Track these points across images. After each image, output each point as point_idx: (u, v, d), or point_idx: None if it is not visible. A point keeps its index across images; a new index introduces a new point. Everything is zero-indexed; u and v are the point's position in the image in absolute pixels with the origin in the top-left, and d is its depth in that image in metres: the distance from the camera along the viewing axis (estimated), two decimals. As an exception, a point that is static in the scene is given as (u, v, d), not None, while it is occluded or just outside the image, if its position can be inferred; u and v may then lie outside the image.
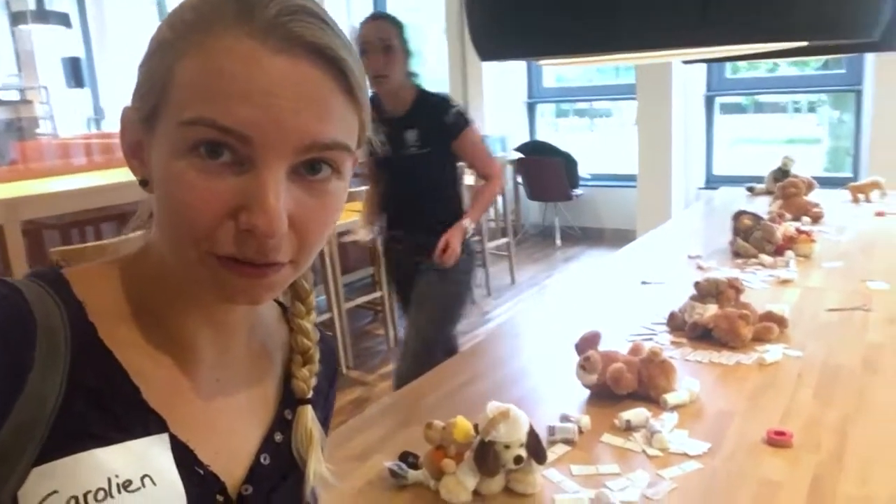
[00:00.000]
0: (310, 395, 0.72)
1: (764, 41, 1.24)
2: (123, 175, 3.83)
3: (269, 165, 0.55)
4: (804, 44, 1.40)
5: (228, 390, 0.68)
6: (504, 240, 5.74)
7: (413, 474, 1.22)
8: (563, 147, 6.88)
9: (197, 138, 0.54)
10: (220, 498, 0.64)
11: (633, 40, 1.12)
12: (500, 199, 6.10)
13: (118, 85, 8.74)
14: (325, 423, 0.77)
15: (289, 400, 0.72)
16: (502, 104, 7.45)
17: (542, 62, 1.72)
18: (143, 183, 0.62)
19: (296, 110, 0.55)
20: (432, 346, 2.63)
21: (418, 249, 2.66)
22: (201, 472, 0.63)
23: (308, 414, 0.71)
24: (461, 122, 2.64)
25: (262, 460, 0.68)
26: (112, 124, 8.30)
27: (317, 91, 0.56)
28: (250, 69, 0.54)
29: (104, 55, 9.22)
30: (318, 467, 0.71)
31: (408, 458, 1.26)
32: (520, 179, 7.05)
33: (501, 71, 7.36)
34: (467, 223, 2.64)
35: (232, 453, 0.66)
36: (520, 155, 6.85)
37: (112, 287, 0.63)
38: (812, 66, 6.49)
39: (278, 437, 0.70)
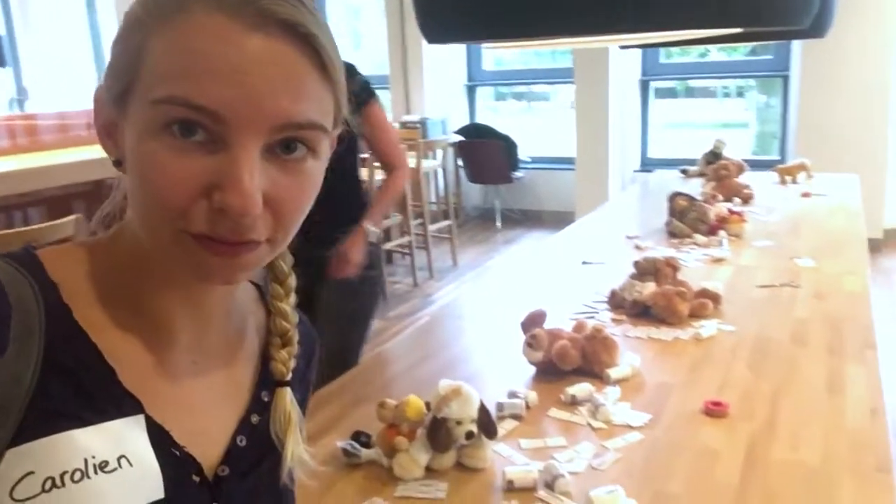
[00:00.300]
0: (288, 377, 0.71)
1: (701, 27, 1.29)
2: (50, 158, 3.70)
3: (243, 144, 0.54)
4: (738, 30, 1.46)
5: (204, 372, 0.67)
6: (446, 222, 5.77)
7: (366, 453, 1.24)
8: (502, 130, 6.94)
9: (169, 117, 0.54)
10: (196, 479, 0.64)
11: (575, 25, 1.16)
12: (441, 181, 6.13)
13: (42, 64, 8.39)
14: (302, 404, 0.77)
15: (265, 382, 0.72)
16: (442, 87, 7.46)
17: (487, 45, 1.74)
18: (117, 163, 0.61)
19: (270, 89, 0.54)
20: (347, 368, 2.00)
21: (315, 265, 2.13)
22: (177, 453, 0.62)
23: (286, 396, 0.71)
24: (365, 93, 2.24)
25: (238, 442, 0.68)
26: (37, 105, 7.97)
27: (290, 69, 0.55)
28: (223, 46, 0.53)
29: (28, 33, 8.83)
30: (296, 449, 0.71)
31: (360, 438, 1.28)
32: (460, 162, 7.08)
33: (441, 54, 7.36)
34: (370, 226, 2.27)
35: (208, 435, 0.66)
36: (460, 138, 6.88)
37: (87, 268, 0.62)
38: (741, 51, 6.69)
39: (255, 418, 0.70)
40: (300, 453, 0.71)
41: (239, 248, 0.57)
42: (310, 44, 0.56)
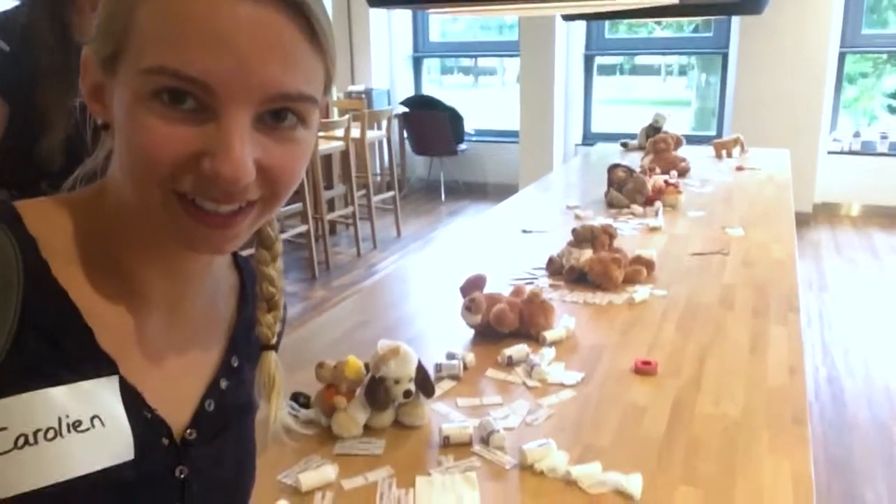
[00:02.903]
0: (274, 340, 0.72)
1: (637, -4, 1.32)
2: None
3: (233, 114, 0.54)
4: (676, 1, 1.50)
5: (178, 335, 0.67)
6: (390, 193, 5.76)
7: (305, 413, 1.25)
8: (448, 103, 6.93)
9: (159, 85, 0.53)
10: (165, 441, 0.64)
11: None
12: (385, 153, 6.10)
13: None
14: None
15: (236, 347, 0.72)
16: (388, 58, 7.40)
17: (430, 11, 1.74)
18: (105, 126, 0.60)
19: (260, 59, 0.53)
20: None
21: None
22: (148, 415, 0.62)
23: (272, 359, 0.71)
24: None
25: (206, 406, 0.68)
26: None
27: (281, 38, 0.54)
28: (213, 14, 0.52)
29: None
30: (280, 412, 0.71)
31: (299, 399, 1.29)
32: (405, 134, 7.06)
33: (387, 24, 7.29)
34: None
35: (178, 398, 0.66)
36: (405, 109, 6.85)
37: (67, 225, 0.61)
38: (684, 29, 6.80)
39: (224, 383, 0.70)
40: (284, 417, 0.72)
41: (230, 220, 0.57)
42: (301, 12, 0.55)
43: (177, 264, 0.64)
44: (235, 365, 0.72)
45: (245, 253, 0.75)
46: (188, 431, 0.66)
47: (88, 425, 0.57)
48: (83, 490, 0.57)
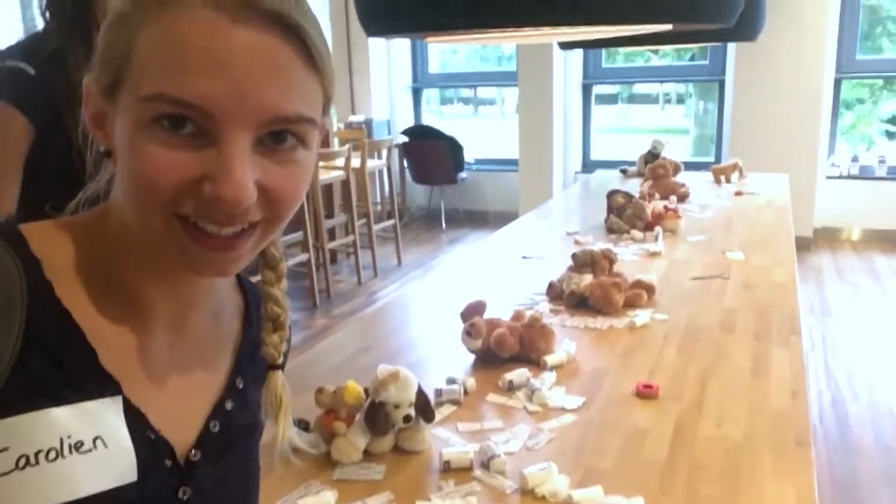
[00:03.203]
0: (280, 360, 0.72)
1: (631, 23, 1.34)
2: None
3: (233, 138, 0.55)
4: (668, 27, 1.52)
5: (182, 356, 0.67)
6: (390, 222, 5.78)
7: (305, 437, 1.24)
8: (448, 132, 6.98)
9: (158, 112, 0.54)
10: (168, 463, 0.64)
11: (507, 15, 1.19)
12: (386, 182, 6.12)
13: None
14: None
15: (241, 368, 0.73)
16: (387, 89, 7.46)
17: (428, 40, 1.76)
18: (108, 154, 0.61)
19: (257, 83, 0.54)
20: None
21: None
22: (152, 436, 0.62)
23: (278, 379, 0.71)
24: None
25: (211, 427, 0.68)
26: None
27: (278, 61, 0.55)
28: (210, 41, 0.53)
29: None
30: (287, 431, 0.71)
31: (299, 424, 1.28)
32: (405, 163, 7.10)
33: (387, 55, 7.36)
34: None
35: (182, 419, 0.66)
36: (405, 139, 6.90)
37: (70, 246, 0.62)
38: (681, 57, 6.87)
39: (229, 404, 0.70)
40: (291, 435, 0.72)
41: (233, 242, 0.58)
42: (296, 34, 0.56)
43: (180, 285, 0.65)
44: (241, 386, 0.72)
45: (253, 279, 0.75)
46: (192, 452, 0.66)
47: (91, 446, 0.57)
48: None
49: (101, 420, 0.58)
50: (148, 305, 0.64)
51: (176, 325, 0.66)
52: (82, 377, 0.58)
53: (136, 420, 0.61)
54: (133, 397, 0.61)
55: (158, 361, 0.65)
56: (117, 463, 0.59)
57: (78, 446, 0.56)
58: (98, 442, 0.58)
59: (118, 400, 0.60)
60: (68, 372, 0.57)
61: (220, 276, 0.62)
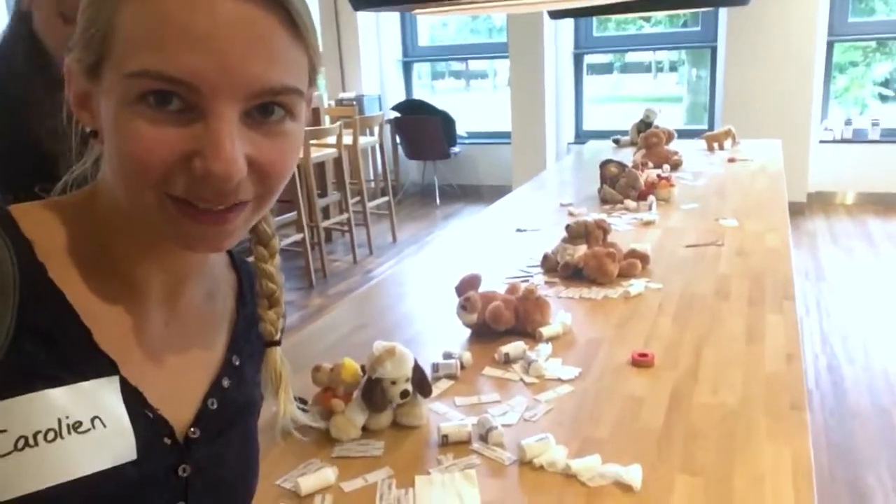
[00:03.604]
0: (277, 336, 0.72)
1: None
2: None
3: (220, 112, 0.54)
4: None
5: (177, 334, 0.67)
6: (384, 199, 5.76)
7: (302, 416, 1.25)
8: (440, 107, 6.94)
9: (144, 89, 0.53)
10: (167, 441, 0.64)
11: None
12: (378, 158, 6.10)
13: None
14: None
15: (237, 346, 0.73)
16: (378, 64, 7.40)
17: (415, 12, 1.74)
18: (94, 134, 0.60)
19: (242, 55, 0.54)
20: None
21: None
22: (150, 415, 0.62)
23: (277, 355, 0.72)
24: None
25: (209, 405, 0.68)
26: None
27: (262, 33, 0.55)
28: (192, 14, 0.52)
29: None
30: (288, 407, 0.72)
31: (296, 402, 1.28)
32: (398, 139, 7.06)
33: (376, 29, 7.29)
34: None
35: (179, 397, 0.66)
36: (396, 114, 6.86)
37: (61, 228, 0.61)
38: (673, 24, 6.82)
39: (226, 382, 0.71)
40: (293, 410, 0.73)
41: (225, 216, 0.57)
42: (279, 4, 0.55)
43: (172, 263, 0.65)
44: (237, 363, 0.72)
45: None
46: (191, 430, 0.66)
47: (89, 426, 0.57)
48: (85, 491, 0.57)
49: (99, 400, 0.58)
50: (141, 284, 0.63)
51: (170, 304, 0.66)
52: (78, 358, 0.58)
53: (133, 399, 0.61)
54: (130, 376, 0.61)
55: (154, 340, 0.65)
56: (116, 442, 0.59)
57: (76, 426, 0.56)
58: (96, 422, 0.58)
59: (115, 379, 0.60)
60: (64, 353, 0.57)
61: (213, 251, 0.61)
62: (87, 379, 0.58)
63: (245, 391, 0.74)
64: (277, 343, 0.72)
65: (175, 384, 0.66)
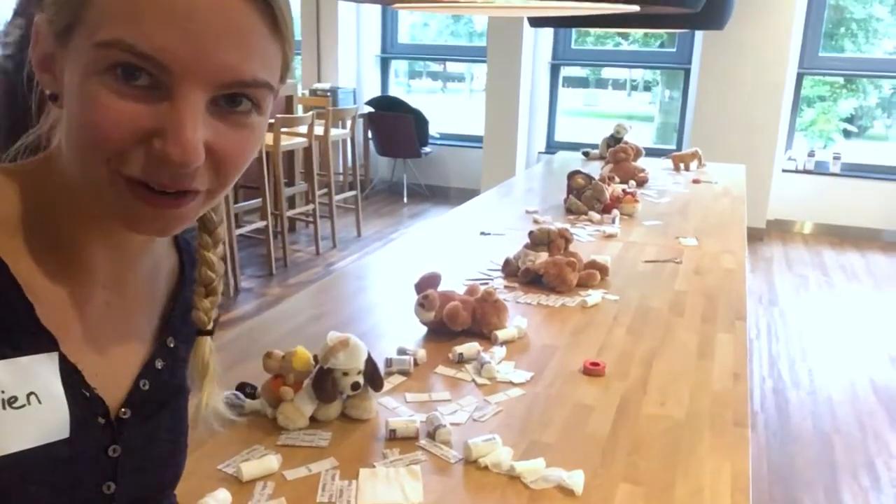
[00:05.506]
0: (210, 326, 0.71)
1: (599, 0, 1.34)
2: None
3: (187, 95, 0.53)
4: (636, 8, 1.53)
5: (117, 313, 0.66)
6: (351, 193, 5.74)
7: (250, 403, 1.24)
8: (414, 105, 6.92)
9: (113, 60, 0.52)
10: (101, 420, 0.63)
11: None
12: (349, 153, 6.07)
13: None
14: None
15: (172, 328, 0.71)
16: (355, 57, 7.37)
17: (396, 6, 1.73)
18: (53, 97, 0.58)
19: (218, 43, 0.52)
20: None
21: None
22: (87, 394, 0.61)
23: (206, 345, 0.71)
24: None
25: (141, 385, 0.67)
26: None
27: (240, 21, 0.54)
28: None
29: None
30: (212, 400, 0.71)
31: (245, 389, 1.27)
32: (370, 134, 7.04)
33: (356, 22, 7.26)
34: None
35: (114, 377, 0.65)
36: (370, 109, 6.83)
37: (9, 196, 0.59)
38: (651, 44, 6.91)
39: (159, 363, 0.70)
40: (216, 403, 0.71)
41: (178, 200, 0.56)
42: None
43: (120, 242, 0.63)
44: (172, 345, 0.71)
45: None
46: (122, 411, 0.65)
47: (24, 402, 0.56)
48: (15, 467, 0.56)
49: (36, 375, 0.57)
50: (87, 261, 0.62)
51: (114, 283, 0.65)
52: (19, 332, 0.57)
53: (71, 377, 0.60)
54: (69, 354, 0.60)
55: (94, 319, 0.64)
56: (49, 419, 0.58)
57: (11, 402, 0.55)
58: (32, 398, 0.56)
59: (54, 356, 0.59)
60: (5, 326, 0.56)
61: (161, 235, 0.61)
62: (26, 354, 0.57)
63: (179, 373, 0.73)
64: (209, 333, 0.71)
65: (111, 364, 0.65)
